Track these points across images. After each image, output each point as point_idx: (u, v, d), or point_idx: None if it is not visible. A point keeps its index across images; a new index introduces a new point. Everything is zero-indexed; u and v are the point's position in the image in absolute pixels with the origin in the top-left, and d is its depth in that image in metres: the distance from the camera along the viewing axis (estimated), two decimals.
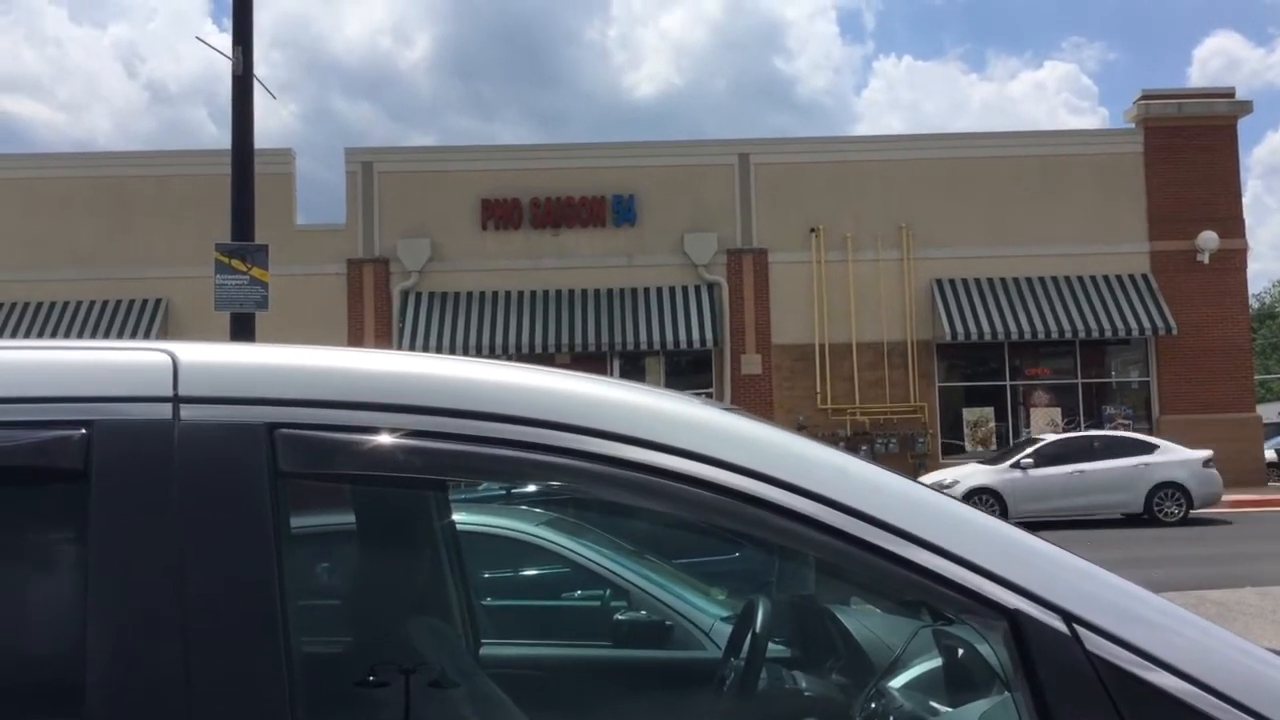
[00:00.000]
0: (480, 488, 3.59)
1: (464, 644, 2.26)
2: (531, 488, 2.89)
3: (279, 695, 1.16)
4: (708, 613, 3.47)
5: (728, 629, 2.62)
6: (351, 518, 1.89)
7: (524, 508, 4.13)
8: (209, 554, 1.19)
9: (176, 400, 1.26)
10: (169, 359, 1.30)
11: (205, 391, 1.27)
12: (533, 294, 23.35)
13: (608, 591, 3.81)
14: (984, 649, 1.37)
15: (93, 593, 1.17)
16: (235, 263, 10.95)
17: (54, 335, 22.06)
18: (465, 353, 22.27)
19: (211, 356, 1.33)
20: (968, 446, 23.94)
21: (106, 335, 21.98)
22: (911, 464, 22.38)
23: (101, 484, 1.20)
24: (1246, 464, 23.41)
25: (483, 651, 2.52)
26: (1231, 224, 23.91)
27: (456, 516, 2.79)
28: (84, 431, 1.22)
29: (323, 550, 2.01)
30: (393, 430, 1.29)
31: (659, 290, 23.51)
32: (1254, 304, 52.04)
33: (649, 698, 2.47)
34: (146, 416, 1.25)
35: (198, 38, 11.60)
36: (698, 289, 23.57)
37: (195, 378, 1.29)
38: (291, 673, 1.18)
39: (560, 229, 23.67)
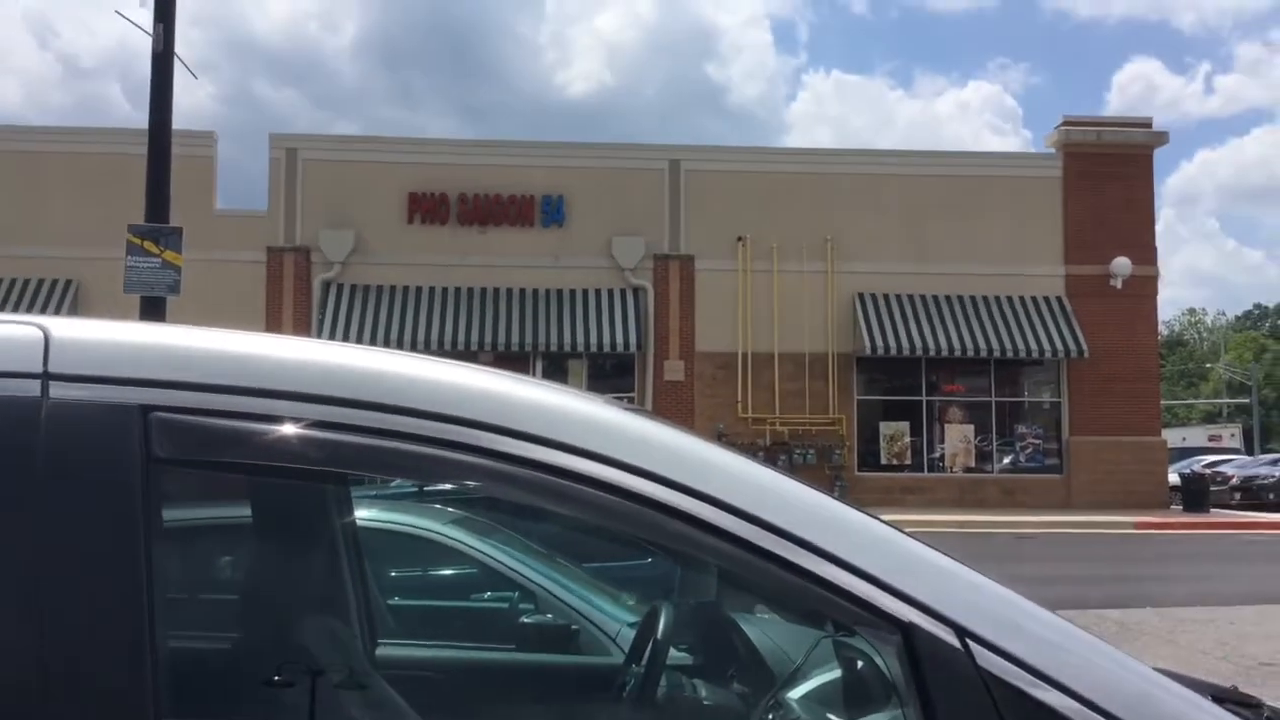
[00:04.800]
0: (393, 484, 3.52)
1: (358, 643, 2.20)
2: (435, 485, 2.84)
3: (141, 695, 1.10)
4: (615, 618, 3.43)
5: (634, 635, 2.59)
6: (240, 511, 1.82)
7: (436, 506, 4.06)
8: (73, 541, 1.13)
9: (46, 377, 1.19)
10: (40, 333, 1.23)
11: (77, 369, 1.21)
12: (457, 290, 23.13)
13: (515, 594, 3.75)
14: (879, 661, 1.36)
15: None
16: (148, 244, 10.66)
17: None
18: (386, 347, 21.96)
19: (86, 333, 1.27)
20: (883, 460, 24.28)
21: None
22: (828, 476, 22.62)
23: None
24: (1151, 487, 24.09)
25: (380, 652, 2.46)
26: (1144, 251, 24.56)
27: (360, 513, 2.71)
28: None
29: (208, 544, 1.93)
30: (281, 419, 1.23)
31: (585, 292, 23.46)
32: (1163, 331, 53.64)
33: (547, 702, 2.43)
34: (13, 393, 1.18)
35: (117, 11, 11.24)
36: (623, 293, 23.57)
37: (67, 354, 1.22)
38: (157, 670, 1.12)
39: (487, 226, 23.49)
